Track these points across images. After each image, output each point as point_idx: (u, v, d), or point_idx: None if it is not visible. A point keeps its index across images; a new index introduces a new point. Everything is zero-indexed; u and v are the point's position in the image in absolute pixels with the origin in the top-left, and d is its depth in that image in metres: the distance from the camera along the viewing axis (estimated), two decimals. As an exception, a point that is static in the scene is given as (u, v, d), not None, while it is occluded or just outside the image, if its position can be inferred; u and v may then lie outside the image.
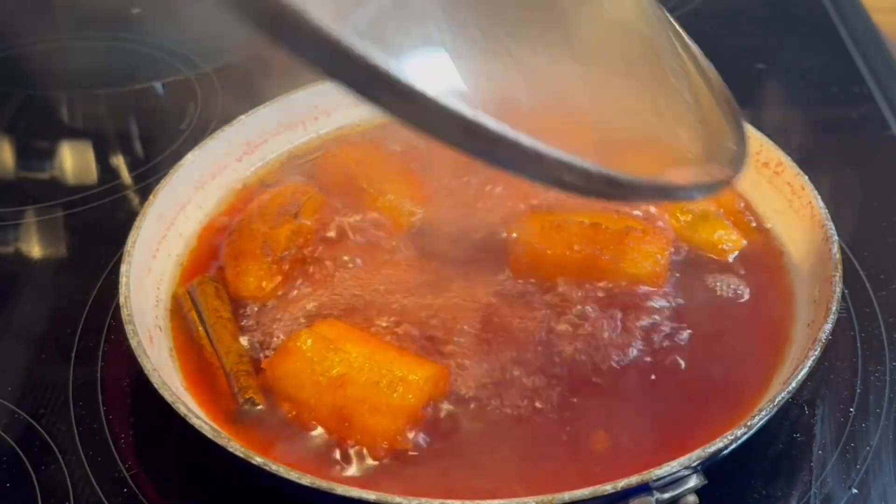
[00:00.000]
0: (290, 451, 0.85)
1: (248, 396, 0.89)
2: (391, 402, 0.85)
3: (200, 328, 0.96)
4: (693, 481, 0.77)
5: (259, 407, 0.88)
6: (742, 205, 1.08)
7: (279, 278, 1.00)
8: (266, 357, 0.92)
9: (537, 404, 0.88)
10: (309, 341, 0.89)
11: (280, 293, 0.99)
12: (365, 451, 0.85)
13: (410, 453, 0.84)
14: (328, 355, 0.87)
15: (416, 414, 0.86)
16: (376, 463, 0.84)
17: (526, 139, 0.59)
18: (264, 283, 1.00)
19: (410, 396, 0.85)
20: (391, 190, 1.09)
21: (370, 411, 0.84)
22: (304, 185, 1.12)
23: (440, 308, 0.96)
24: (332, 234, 1.05)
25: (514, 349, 0.92)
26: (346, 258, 1.03)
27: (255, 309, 0.98)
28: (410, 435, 0.85)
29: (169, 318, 0.98)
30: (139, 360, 0.85)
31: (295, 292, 0.99)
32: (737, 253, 1.03)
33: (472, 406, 0.88)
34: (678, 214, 1.05)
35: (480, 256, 1.02)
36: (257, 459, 0.77)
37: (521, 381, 0.90)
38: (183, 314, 0.98)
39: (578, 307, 0.96)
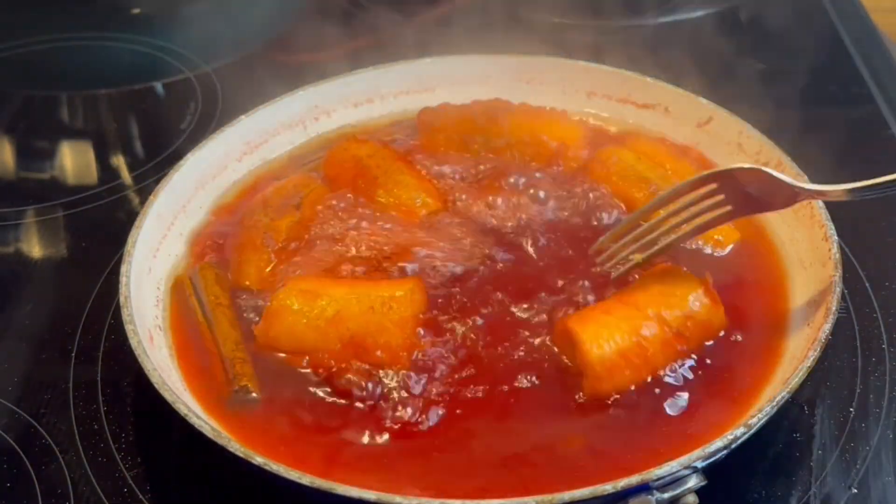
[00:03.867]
0: (286, 442, 0.85)
1: (242, 384, 0.89)
2: (392, 318, 0.90)
3: (199, 313, 0.97)
4: (693, 481, 0.77)
5: (253, 395, 0.89)
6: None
7: (280, 268, 1.00)
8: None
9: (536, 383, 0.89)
10: (291, 296, 0.92)
11: (280, 284, 0.99)
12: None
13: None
14: (315, 302, 0.91)
15: (418, 319, 0.91)
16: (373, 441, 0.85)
17: None
18: (264, 273, 1.00)
19: (405, 308, 0.90)
20: (405, 182, 1.10)
21: (378, 332, 0.89)
22: (307, 177, 1.13)
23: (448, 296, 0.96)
24: (335, 226, 1.05)
25: (516, 340, 0.93)
26: (351, 250, 1.02)
27: (255, 298, 0.99)
28: (425, 338, 0.90)
29: (169, 318, 0.98)
30: (139, 360, 0.85)
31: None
32: (732, 245, 1.03)
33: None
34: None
35: (487, 250, 1.02)
36: (257, 459, 0.77)
37: (519, 374, 0.90)
38: (183, 298, 0.99)
39: (578, 291, 0.97)
